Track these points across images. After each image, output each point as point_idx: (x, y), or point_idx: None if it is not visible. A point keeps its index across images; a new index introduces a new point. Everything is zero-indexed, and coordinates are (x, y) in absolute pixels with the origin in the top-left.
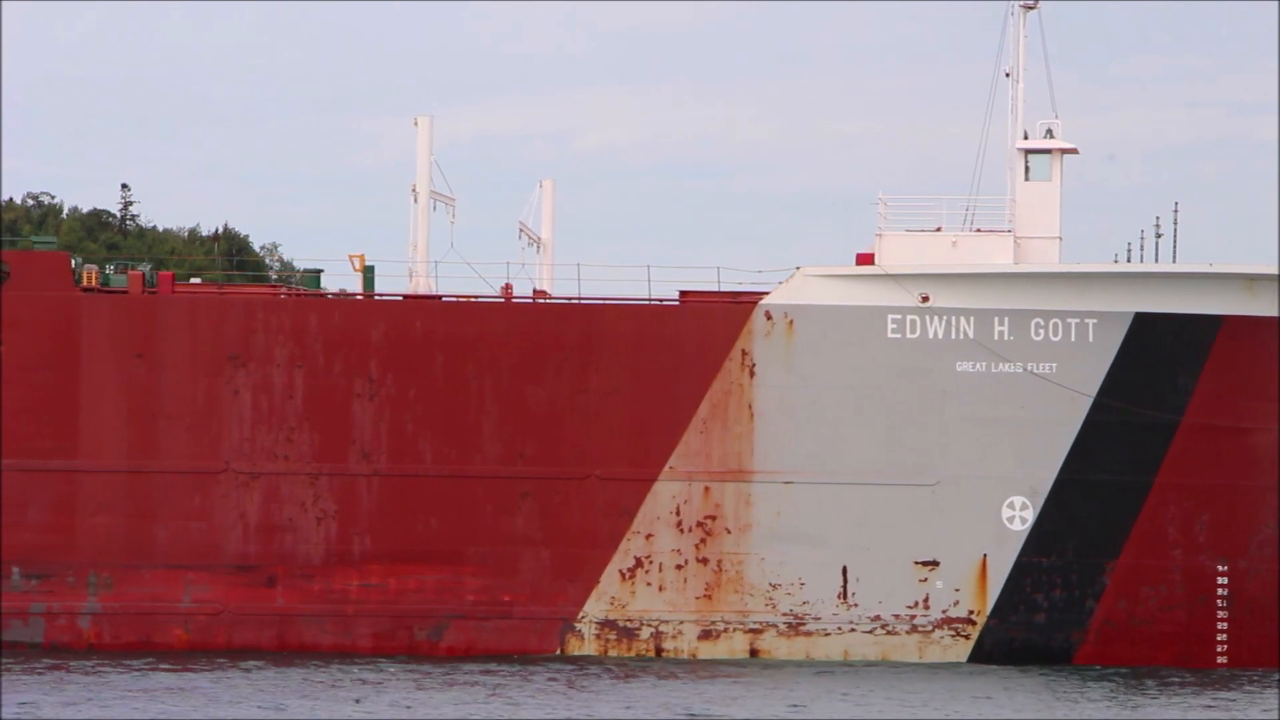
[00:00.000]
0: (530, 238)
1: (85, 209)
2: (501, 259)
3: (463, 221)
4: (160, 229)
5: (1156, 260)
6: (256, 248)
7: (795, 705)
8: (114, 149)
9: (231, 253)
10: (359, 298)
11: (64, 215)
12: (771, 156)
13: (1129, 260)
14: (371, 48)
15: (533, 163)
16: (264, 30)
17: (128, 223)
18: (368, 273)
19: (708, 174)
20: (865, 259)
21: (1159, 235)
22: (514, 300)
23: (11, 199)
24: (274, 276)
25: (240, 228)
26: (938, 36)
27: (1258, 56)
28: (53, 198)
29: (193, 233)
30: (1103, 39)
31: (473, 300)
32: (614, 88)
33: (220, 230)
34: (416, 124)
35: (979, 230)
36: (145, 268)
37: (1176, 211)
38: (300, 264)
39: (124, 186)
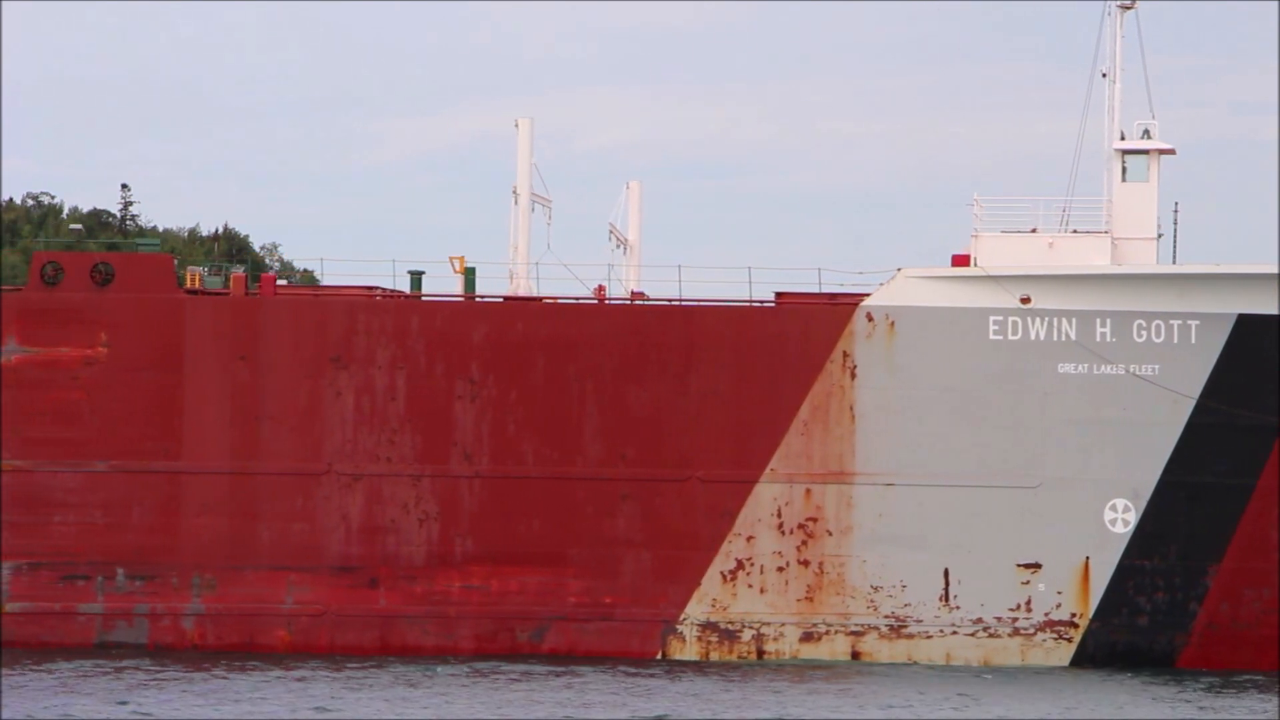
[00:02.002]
0: (618, 239)
1: (85, 209)
2: (584, 260)
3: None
4: (160, 229)
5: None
6: (257, 248)
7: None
8: (114, 149)
9: (231, 253)
10: (460, 299)
11: (64, 215)
12: (772, 157)
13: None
14: (372, 48)
15: (620, 163)
16: (263, 30)
17: (128, 223)
18: (469, 274)
19: (720, 174)
20: (961, 260)
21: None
22: (608, 301)
23: (11, 199)
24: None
25: (240, 228)
26: (943, 36)
27: (1258, 56)
28: (53, 198)
29: (193, 233)
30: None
31: (573, 302)
32: (620, 87)
33: (220, 230)
34: (517, 126)
35: (1075, 231)
36: (243, 269)
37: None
38: (300, 264)
39: (124, 186)
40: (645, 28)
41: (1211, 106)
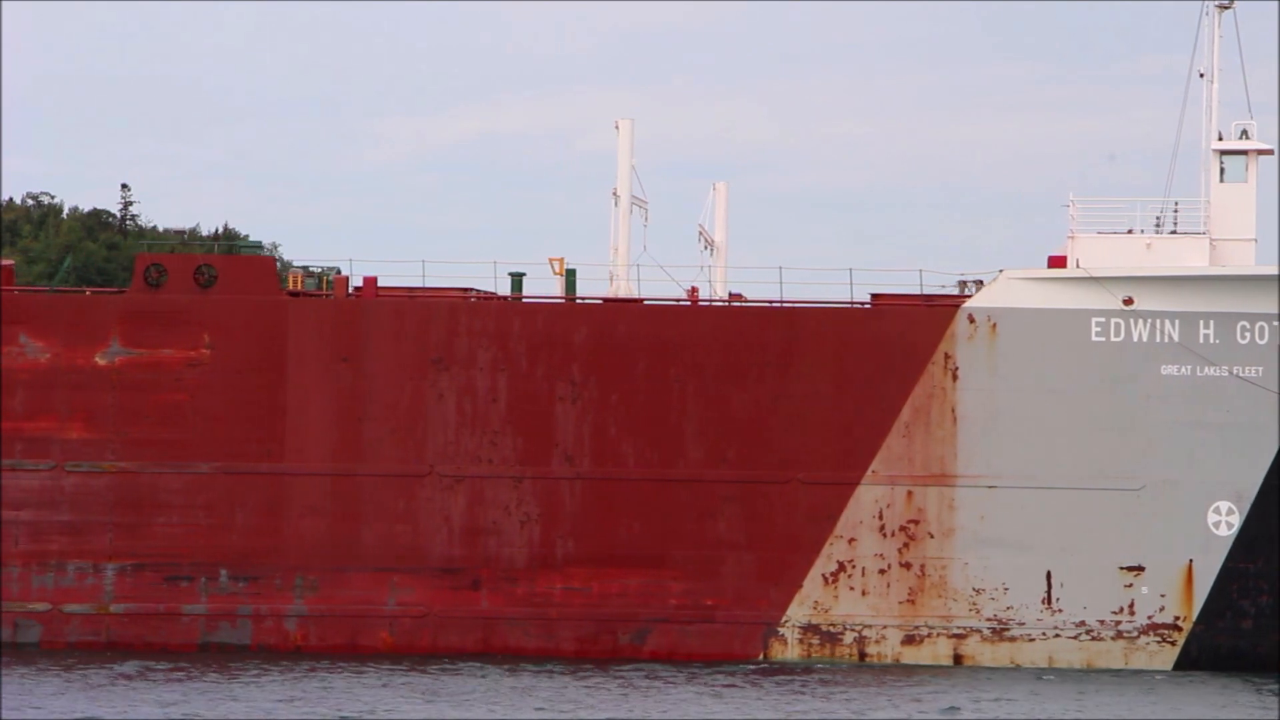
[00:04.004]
0: (706, 240)
1: (85, 209)
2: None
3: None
4: (160, 229)
5: None
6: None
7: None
8: (114, 149)
9: (231, 253)
10: (561, 301)
11: (64, 215)
12: (774, 157)
13: None
14: (372, 47)
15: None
16: (263, 30)
17: (128, 223)
18: (569, 276)
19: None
20: (1058, 261)
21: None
22: (701, 303)
23: (11, 199)
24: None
25: (240, 227)
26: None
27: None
28: (53, 198)
29: (193, 233)
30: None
31: (673, 303)
32: (618, 87)
33: (220, 230)
34: (617, 127)
35: (1173, 232)
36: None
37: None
38: (298, 264)
39: (124, 186)
40: (646, 28)
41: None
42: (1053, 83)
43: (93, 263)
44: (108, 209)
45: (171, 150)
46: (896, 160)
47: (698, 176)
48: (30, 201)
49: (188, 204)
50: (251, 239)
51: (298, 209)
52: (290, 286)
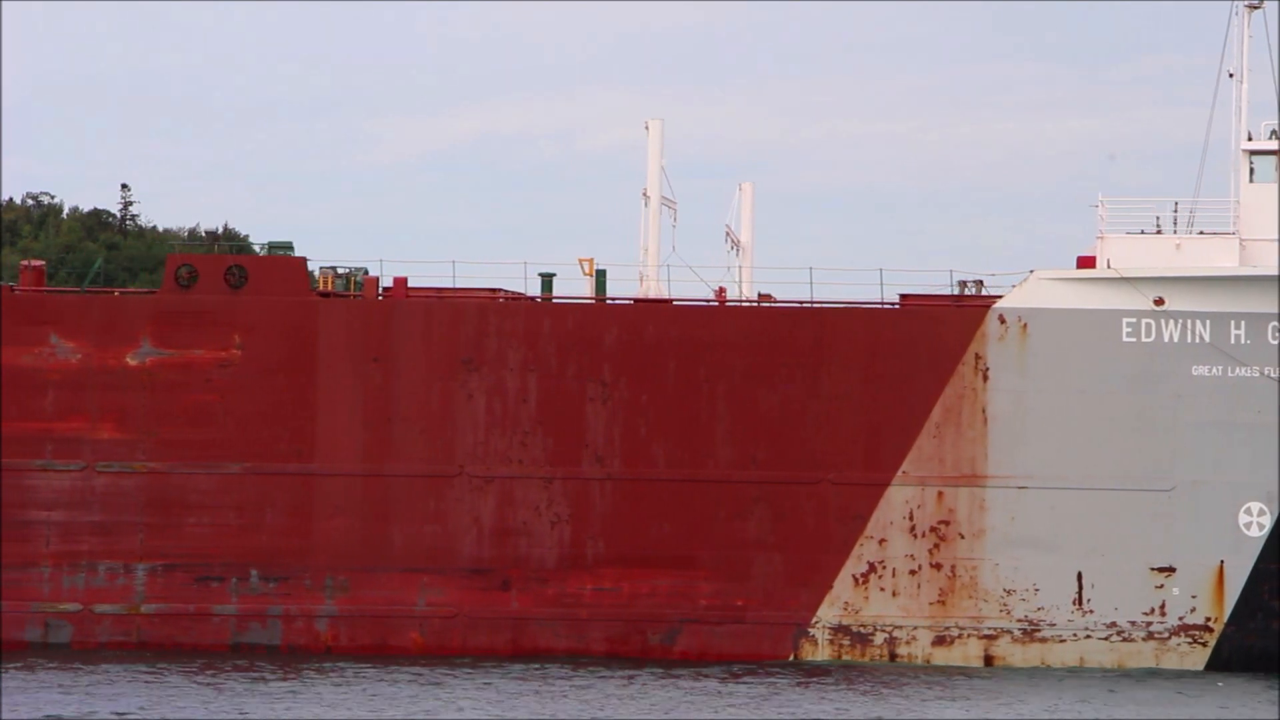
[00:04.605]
0: (733, 240)
1: (85, 209)
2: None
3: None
4: (160, 229)
5: None
6: (256, 248)
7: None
8: (114, 149)
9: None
10: (591, 301)
11: (64, 215)
12: (774, 157)
13: None
14: (372, 47)
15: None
16: (263, 29)
17: (128, 223)
18: (599, 277)
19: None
20: (1086, 261)
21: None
22: (730, 303)
23: (11, 199)
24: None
25: (240, 228)
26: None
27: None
28: (53, 198)
29: (193, 233)
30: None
31: (703, 304)
32: (619, 87)
33: (220, 230)
34: (647, 128)
35: (1202, 233)
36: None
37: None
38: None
39: (124, 186)
40: (647, 28)
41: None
42: (1083, 82)
43: (93, 263)
44: (108, 209)
45: (171, 150)
46: (895, 160)
47: (720, 176)
48: (30, 201)
49: (188, 204)
50: (252, 239)
51: (298, 209)
52: (321, 287)
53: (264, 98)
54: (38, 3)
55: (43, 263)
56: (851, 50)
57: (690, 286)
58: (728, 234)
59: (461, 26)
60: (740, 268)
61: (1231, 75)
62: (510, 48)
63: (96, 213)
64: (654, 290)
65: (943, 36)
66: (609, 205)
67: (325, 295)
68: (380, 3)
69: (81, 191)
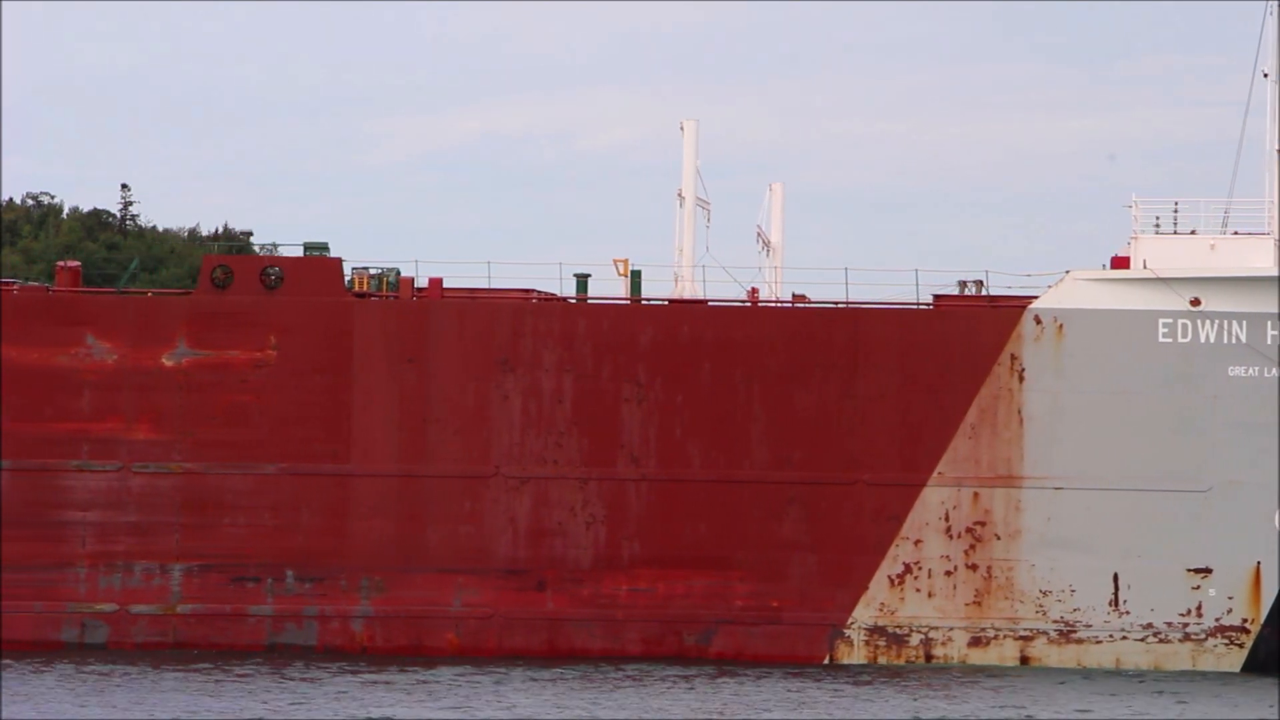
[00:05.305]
0: (763, 241)
1: (85, 209)
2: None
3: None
4: (160, 229)
5: None
6: (256, 248)
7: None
8: (114, 149)
9: (230, 253)
10: (625, 302)
11: (64, 215)
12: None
13: None
14: (373, 47)
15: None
16: (264, 29)
17: (128, 223)
18: (634, 277)
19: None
20: (1120, 262)
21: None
22: (763, 304)
23: (11, 199)
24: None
25: (240, 227)
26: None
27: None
28: (53, 198)
29: (193, 233)
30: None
31: (737, 305)
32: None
33: (220, 230)
34: (682, 129)
35: (1237, 233)
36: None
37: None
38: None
39: (124, 186)
40: (648, 28)
41: (1214, 106)
42: (1100, 84)
43: (93, 263)
44: (108, 209)
45: (171, 150)
46: (895, 161)
47: (751, 175)
48: (30, 201)
49: (188, 204)
50: (253, 239)
51: (298, 209)
52: (357, 288)
53: (264, 98)
54: (38, 3)
55: (78, 263)
56: (851, 50)
57: (722, 287)
58: (759, 235)
59: (463, 26)
60: (771, 268)
61: (1266, 75)
62: (510, 48)
63: (96, 213)
64: (689, 291)
65: (942, 37)
66: (633, 206)
67: (361, 296)
68: (380, 3)
69: (81, 191)
